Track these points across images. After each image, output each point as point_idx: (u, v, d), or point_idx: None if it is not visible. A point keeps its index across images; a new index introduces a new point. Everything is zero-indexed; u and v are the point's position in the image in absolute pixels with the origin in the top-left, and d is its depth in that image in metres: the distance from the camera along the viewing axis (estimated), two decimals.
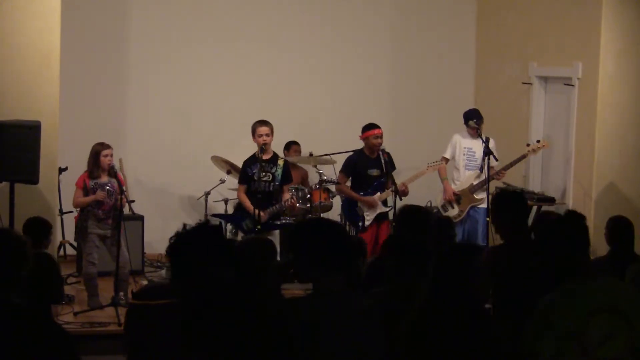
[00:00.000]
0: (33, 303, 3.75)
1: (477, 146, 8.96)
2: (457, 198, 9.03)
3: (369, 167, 8.85)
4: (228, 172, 9.80)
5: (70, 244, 9.52)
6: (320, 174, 9.48)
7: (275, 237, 8.50)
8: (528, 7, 9.97)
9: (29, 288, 3.62)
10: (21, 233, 4.84)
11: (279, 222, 8.69)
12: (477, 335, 3.84)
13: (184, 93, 10.51)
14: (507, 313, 4.55)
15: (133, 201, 9.56)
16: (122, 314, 7.19)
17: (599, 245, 6.89)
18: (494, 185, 9.14)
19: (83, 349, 7.16)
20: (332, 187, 9.78)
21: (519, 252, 5.00)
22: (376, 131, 8.82)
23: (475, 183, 8.99)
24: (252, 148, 8.50)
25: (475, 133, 8.93)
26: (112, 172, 8.08)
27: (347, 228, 8.85)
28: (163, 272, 9.75)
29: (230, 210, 9.82)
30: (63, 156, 8.52)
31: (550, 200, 9.17)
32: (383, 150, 8.77)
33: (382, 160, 8.74)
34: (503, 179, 9.12)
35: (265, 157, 8.39)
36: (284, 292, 5.15)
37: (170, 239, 3.60)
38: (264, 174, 8.36)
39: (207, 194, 10.06)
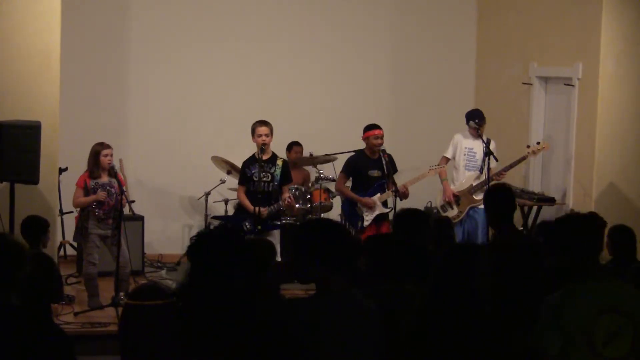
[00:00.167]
0: (32, 304, 3.75)
1: (478, 146, 8.96)
2: (457, 199, 9.03)
3: (369, 167, 8.85)
4: (228, 173, 9.80)
5: (71, 244, 9.51)
6: (319, 172, 9.49)
7: (275, 237, 8.50)
8: (528, 7, 9.96)
9: (28, 289, 3.62)
10: (19, 235, 4.84)
11: (278, 222, 8.69)
12: (478, 335, 3.84)
13: (184, 93, 10.51)
14: (506, 312, 4.55)
15: (133, 201, 9.55)
16: (121, 310, 7.19)
17: None
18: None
19: (83, 349, 7.20)
20: (332, 187, 9.79)
21: (513, 250, 5.03)
22: (376, 131, 8.82)
23: (475, 184, 8.99)
24: (252, 148, 8.50)
25: (476, 133, 8.93)
26: (112, 172, 8.08)
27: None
28: (163, 272, 9.76)
29: (231, 211, 9.82)
30: (63, 156, 8.51)
31: (551, 201, 9.16)
32: (383, 151, 8.77)
33: (383, 161, 8.73)
34: (503, 180, 9.11)
35: (265, 157, 8.40)
36: (284, 292, 5.16)
37: (191, 239, 3.64)
38: (263, 174, 8.36)
39: (207, 194, 10.06)
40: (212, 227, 3.82)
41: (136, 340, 3.28)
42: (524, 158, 8.95)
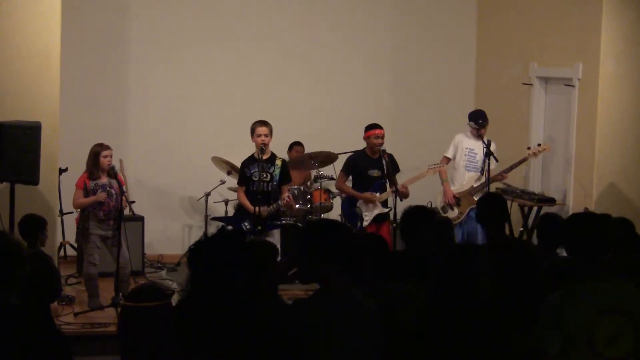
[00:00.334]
0: (32, 303, 3.75)
1: (479, 147, 8.95)
2: (457, 200, 9.03)
3: (369, 167, 8.85)
4: (228, 173, 9.79)
5: (71, 245, 9.52)
6: (318, 171, 9.49)
7: (275, 237, 8.50)
8: (528, 7, 9.96)
9: (28, 288, 3.62)
10: (17, 235, 4.83)
11: (278, 222, 8.69)
12: (478, 335, 3.84)
13: (184, 93, 10.51)
14: (506, 312, 4.55)
15: (133, 202, 9.57)
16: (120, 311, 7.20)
17: None
18: (494, 187, 9.15)
19: (83, 349, 7.21)
20: (332, 186, 9.79)
21: (511, 250, 5.05)
22: (377, 131, 8.82)
23: (475, 185, 8.99)
24: (252, 149, 8.50)
25: (477, 134, 8.93)
26: (112, 173, 8.07)
27: None
28: (163, 272, 9.76)
29: (231, 211, 9.82)
30: (63, 157, 8.51)
31: (551, 201, 9.16)
32: (384, 151, 8.77)
33: (383, 162, 8.73)
34: (503, 181, 9.13)
35: (264, 157, 8.39)
36: (284, 292, 5.16)
37: (191, 246, 3.65)
38: (262, 174, 8.36)
39: (208, 194, 10.06)
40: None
41: (135, 341, 3.28)
42: (524, 160, 8.95)
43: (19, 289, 3.44)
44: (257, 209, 8.17)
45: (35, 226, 6.92)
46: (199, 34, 10.51)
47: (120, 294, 7.83)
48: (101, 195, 7.98)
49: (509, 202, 9.21)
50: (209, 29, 10.54)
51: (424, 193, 10.07)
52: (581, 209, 8.41)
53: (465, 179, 9.11)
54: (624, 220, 6.19)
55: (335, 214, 9.75)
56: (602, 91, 8.62)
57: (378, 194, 8.82)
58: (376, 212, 8.82)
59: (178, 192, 10.59)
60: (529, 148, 9.04)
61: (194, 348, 3.77)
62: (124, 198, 7.95)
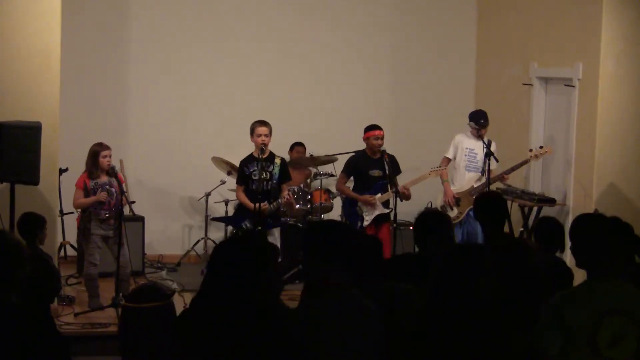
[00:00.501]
0: (31, 303, 3.74)
1: (479, 147, 8.96)
2: (457, 200, 9.03)
3: (370, 167, 8.85)
4: (228, 173, 9.80)
5: (71, 245, 9.52)
6: (317, 169, 9.49)
7: (275, 236, 8.51)
8: (528, 7, 9.96)
9: (28, 288, 3.62)
10: (17, 235, 4.81)
11: (278, 222, 8.69)
12: (478, 335, 3.84)
13: (184, 94, 10.51)
14: (506, 312, 4.55)
15: (133, 202, 9.55)
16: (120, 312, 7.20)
17: None
18: (494, 187, 9.14)
19: (83, 349, 7.22)
20: (331, 183, 9.79)
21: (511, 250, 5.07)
22: (376, 132, 8.82)
23: (475, 186, 8.99)
24: (252, 149, 8.50)
25: (477, 134, 8.93)
26: (111, 173, 8.08)
27: None
28: (163, 272, 9.76)
29: (231, 211, 9.82)
30: (63, 157, 8.51)
31: (551, 201, 9.16)
32: (384, 152, 8.77)
33: (385, 162, 8.73)
34: (504, 182, 9.13)
35: (263, 156, 8.39)
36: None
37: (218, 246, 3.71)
38: (263, 173, 8.36)
39: (208, 194, 10.07)
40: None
41: (136, 341, 3.28)
42: (526, 161, 8.95)
43: (19, 289, 3.44)
44: (257, 205, 8.16)
45: (34, 224, 6.92)
46: (199, 34, 10.51)
47: (121, 294, 7.84)
48: (102, 195, 7.98)
49: (509, 203, 9.25)
50: (209, 29, 10.54)
51: (424, 193, 10.08)
52: (581, 209, 8.40)
53: (465, 179, 9.11)
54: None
55: (336, 214, 9.76)
56: (602, 91, 8.62)
57: (379, 195, 8.81)
58: (377, 212, 8.82)
59: (178, 192, 10.59)
60: (530, 150, 9.04)
61: (194, 348, 3.78)
62: (124, 198, 7.95)
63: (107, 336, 7.34)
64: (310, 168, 10.01)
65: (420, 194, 9.90)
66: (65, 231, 9.35)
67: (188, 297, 6.65)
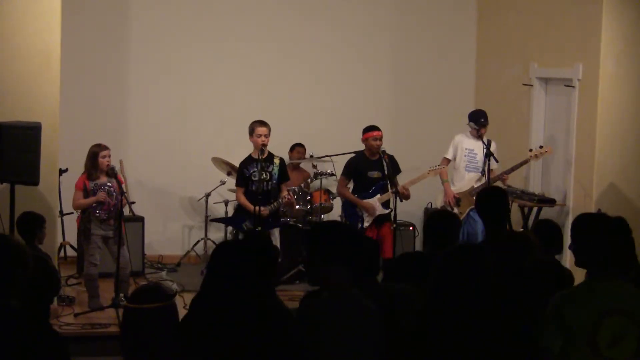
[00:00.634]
0: (31, 304, 3.74)
1: (479, 148, 8.95)
2: (457, 200, 9.03)
3: (369, 168, 8.84)
4: (228, 174, 9.79)
5: (71, 245, 9.51)
6: (316, 168, 9.49)
7: (275, 236, 8.51)
8: (528, 8, 9.96)
9: (28, 290, 3.61)
10: (19, 237, 4.79)
11: (278, 222, 8.70)
12: (478, 335, 3.84)
13: (184, 94, 10.51)
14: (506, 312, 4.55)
15: (133, 202, 9.56)
16: (122, 313, 7.19)
17: None
18: None
19: (83, 350, 7.21)
20: (331, 182, 9.79)
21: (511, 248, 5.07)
22: (375, 133, 8.81)
23: (476, 186, 8.99)
24: (251, 149, 8.50)
25: (476, 134, 8.93)
26: (111, 173, 8.07)
27: None
28: (163, 273, 9.75)
29: (231, 212, 9.82)
30: (63, 157, 8.50)
31: (551, 202, 9.15)
32: (384, 152, 8.76)
33: (384, 163, 8.72)
34: (505, 182, 9.13)
35: (262, 156, 8.39)
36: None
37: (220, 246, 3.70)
38: (263, 173, 8.36)
39: (208, 195, 10.07)
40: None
41: (138, 342, 3.28)
42: (526, 161, 8.94)
43: (19, 292, 3.43)
44: (257, 208, 8.16)
45: (34, 224, 6.92)
46: (198, 34, 10.51)
47: (121, 295, 7.83)
48: (101, 195, 7.98)
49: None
50: (209, 29, 10.54)
51: (424, 193, 10.10)
52: (581, 209, 8.39)
53: (465, 179, 9.11)
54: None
55: (336, 214, 9.75)
56: (602, 91, 8.61)
57: (378, 196, 8.80)
58: (377, 213, 8.81)
59: (178, 193, 10.59)
60: (530, 150, 9.03)
61: (194, 348, 3.78)
62: (123, 198, 7.94)
63: (107, 336, 7.34)
64: (310, 169, 10.01)
65: (420, 194, 9.91)
66: (65, 231, 9.35)
67: (188, 297, 6.65)
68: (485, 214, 5.95)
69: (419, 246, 10.35)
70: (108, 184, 8.06)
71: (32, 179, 7.33)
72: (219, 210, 10.27)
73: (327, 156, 9.87)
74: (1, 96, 7.71)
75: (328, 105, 10.84)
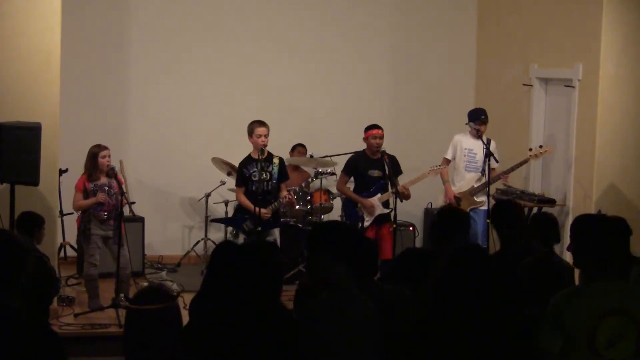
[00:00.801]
0: (31, 305, 3.74)
1: (478, 147, 8.95)
2: (458, 200, 9.03)
3: (369, 167, 8.85)
4: (228, 174, 9.79)
5: (71, 246, 9.51)
6: (316, 168, 9.50)
7: (275, 236, 8.51)
8: (528, 8, 9.96)
9: (28, 290, 3.61)
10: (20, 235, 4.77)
11: (277, 222, 8.70)
12: (479, 335, 3.84)
13: (184, 94, 10.51)
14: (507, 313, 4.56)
15: (133, 202, 9.56)
16: (123, 315, 7.19)
17: None
18: (494, 187, 9.14)
19: (83, 350, 7.21)
20: (331, 182, 9.79)
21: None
22: (375, 131, 8.83)
23: (476, 185, 8.99)
24: (251, 149, 8.50)
25: (476, 134, 8.93)
26: (111, 174, 8.07)
27: None
28: (163, 273, 9.75)
29: (231, 212, 9.82)
30: (63, 157, 8.50)
31: (551, 202, 9.15)
32: (384, 152, 8.76)
33: (384, 162, 8.72)
34: (505, 182, 9.13)
35: (262, 156, 8.39)
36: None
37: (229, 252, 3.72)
38: (263, 173, 8.36)
39: (208, 195, 10.07)
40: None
41: (140, 344, 3.28)
42: (526, 161, 8.95)
43: (19, 291, 3.43)
44: (257, 209, 8.16)
45: (33, 223, 6.92)
46: (199, 34, 10.50)
47: (121, 295, 7.84)
48: (101, 196, 7.99)
49: None
50: (209, 29, 10.54)
51: (424, 193, 10.09)
52: (581, 209, 8.40)
53: (465, 179, 9.11)
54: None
55: (336, 214, 9.75)
56: (602, 92, 8.61)
57: (379, 195, 8.81)
58: (377, 212, 8.81)
59: (178, 193, 10.59)
60: (530, 149, 9.04)
61: (194, 349, 3.78)
62: (123, 199, 7.94)
63: (107, 337, 7.34)
64: (310, 169, 10.01)
65: (420, 194, 9.91)
66: (65, 232, 9.35)
67: (188, 297, 6.65)
68: (498, 225, 6.01)
69: (418, 246, 10.35)
70: (108, 184, 8.06)
71: (32, 179, 7.33)
72: (219, 211, 10.27)
73: (327, 156, 9.88)
74: (1, 96, 7.70)
75: (328, 105, 10.84)
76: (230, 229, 9.61)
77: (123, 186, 8.16)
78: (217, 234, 10.29)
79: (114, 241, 8.01)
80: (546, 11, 9.60)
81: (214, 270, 4.34)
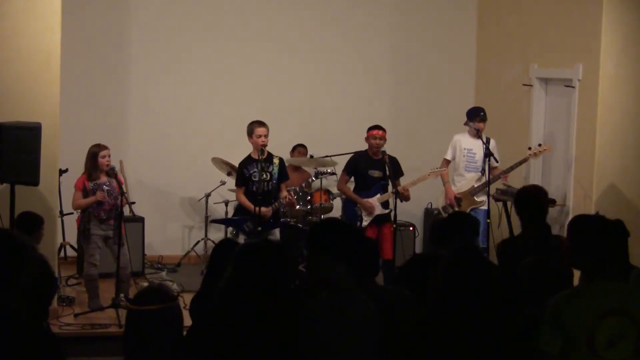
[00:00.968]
0: (30, 305, 3.73)
1: (478, 147, 8.96)
2: (458, 200, 9.03)
3: (370, 167, 8.86)
4: (228, 174, 9.79)
5: (71, 246, 9.52)
6: (316, 168, 9.50)
7: (275, 236, 8.51)
8: (529, 8, 9.95)
9: (28, 290, 3.61)
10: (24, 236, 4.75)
11: (278, 222, 8.70)
12: (479, 336, 3.84)
13: (184, 94, 10.51)
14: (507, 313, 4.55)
15: (133, 202, 9.56)
16: (123, 315, 7.20)
17: None
18: (494, 187, 9.14)
19: (83, 350, 7.21)
20: (331, 182, 9.79)
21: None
22: (375, 132, 8.84)
23: (476, 185, 9.00)
24: (251, 150, 8.50)
25: (476, 133, 8.94)
26: (111, 173, 8.08)
27: None
28: (163, 273, 9.75)
29: (231, 212, 9.82)
30: (63, 157, 8.51)
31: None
32: (384, 153, 8.76)
33: (385, 163, 8.72)
34: (504, 182, 9.13)
35: (262, 157, 8.39)
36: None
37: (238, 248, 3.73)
38: (263, 174, 8.36)
39: (208, 195, 10.07)
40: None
41: (140, 344, 3.28)
42: (525, 160, 8.94)
43: (19, 291, 3.43)
44: (257, 209, 8.16)
45: (32, 224, 6.92)
46: (199, 34, 10.51)
47: (122, 295, 7.84)
48: (100, 195, 7.99)
49: (508, 204, 9.24)
50: (209, 29, 10.54)
51: (424, 194, 10.10)
52: (581, 209, 8.40)
53: (465, 179, 9.11)
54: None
55: (335, 215, 9.74)
56: (602, 92, 8.61)
57: (378, 195, 8.81)
58: (376, 212, 8.82)
59: (178, 193, 10.59)
60: (529, 148, 9.04)
61: (194, 349, 3.78)
62: (123, 199, 7.94)
63: (107, 337, 7.35)
64: (310, 169, 10.01)
65: (420, 195, 9.91)
66: (65, 232, 9.35)
67: (188, 297, 6.65)
68: (522, 212, 5.84)
69: (419, 246, 10.36)
70: (107, 183, 8.07)
71: (32, 179, 7.33)
72: (219, 211, 10.27)
73: (327, 156, 9.88)
74: (1, 96, 7.70)
75: (328, 105, 10.84)
76: (230, 229, 9.61)
77: (123, 186, 8.16)
78: (217, 234, 10.29)
79: (114, 241, 8.02)
80: (546, 11, 9.60)
81: (214, 268, 4.35)
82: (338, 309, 3.77)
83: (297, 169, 10.11)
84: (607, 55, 8.58)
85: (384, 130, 8.88)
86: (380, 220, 8.84)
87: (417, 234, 10.23)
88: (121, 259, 7.92)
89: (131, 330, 3.30)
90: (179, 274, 9.77)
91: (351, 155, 9.13)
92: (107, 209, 8.06)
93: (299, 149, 10.25)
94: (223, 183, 9.93)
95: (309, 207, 9.37)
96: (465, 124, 9.08)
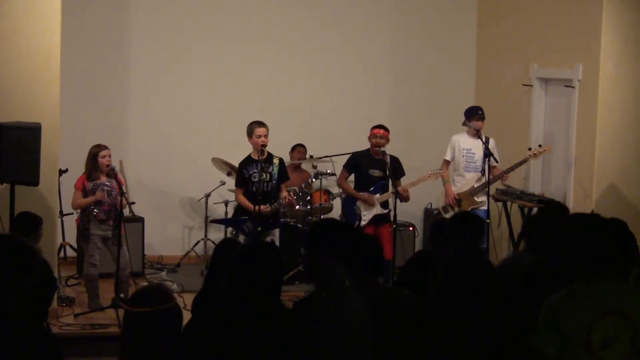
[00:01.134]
0: (30, 307, 3.73)
1: (477, 147, 8.95)
2: (458, 201, 9.03)
3: (370, 167, 8.87)
4: (228, 174, 9.79)
5: (71, 246, 9.51)
6: (316, 168, 9.50)
7: (275, 236, 8.51)
8: (528, 8, 9.96)
9: (30, 292, 3.61)
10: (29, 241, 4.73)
11: (278, 222, 8.69)
12: (480, 336, 3.84)
13: (184, 94, 10.51)
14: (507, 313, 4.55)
15: (133, 203, 9.56)
16: (122, 315, 7.19)
17: None
18: (494, 187, 9.14)
19: (83, 350, 7.21)
20: (332, 189, 9.79)
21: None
22: (377, 131, 8.85)
23: (476, 186, 8.99)
24: (251, 150, 8.50)
25: (475, 133, 8.93)
26: (111, 173, 8.07)
27: None
28: (163, 273, 9.75)
29: (231, 212, 9.82)
30: (63, 157, 8.50)
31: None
32: (384, 153, 8.76)
33: (385, 163, 8.72)
34: (504, 182, 9.13)
35: (262, 157, 8.38)
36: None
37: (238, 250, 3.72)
38: (263, 174, 8.36)
39: (208, 195, 10.07)
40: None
41: (137, 346, 3.27)
42: (525, 160, 8.94)
43: (19, 292, 3.43)
44: (256, 207, 8.16)
45: (31, 224, 6.92)
46: (199, 34, 10.50)
47: (122, 295, 7.83)
48: (99, 194, 7.99)
49: (508, 204, 9.25)
50: (210, 29, 10.54)
51: (424, 194, 10.11)
52: (582, 210, 8.39)
53: (465, 179, 9.11)
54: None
55: (335, 215, 9.75)
56: (602, 92, 8.61)
57: (378, 195, 8.82)
58: (375, 212, 8.82)
59: (178, 193, 10.59)
60: (529, 149, 9.04)
61: (194, 349, 3.78)
62: (123, 199, 7.94)
63: (107, 337, 7.34)
64: (310, 170, 10.01)
65: (420, 195, 9.92)
66: (65, 232, 9.35)
67: (188, 297, 6.66)
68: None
69: (418, 246, 10.36)
70: (107, 183, 8.07)
71: (32, 179, 7.33)
72: (219, 211, 10.27)
73: (327, 157, 9.88)
74: (1, 96, 7.70)
75: (328, 105, 10.84)
76: (230, 229, 9.61)
77: (123, 186, 8.15)
78: (217, 234, 10.29)
79: (114, 241, 8.01)
80: (546, 11, 9.60)
81: (216, 267, 4.35)
82: (338, 309, 3.77)
83: (296, 168, 10.11)
84: (607, 55, 8.58)
85: (386, 130, 8.88)
86: (378, 221, 8.84)
87: (417, 234, 10.23)
88: (121, 259, 7.91)
89: (128, 331, 3.29)
90: (178, 274, 9.77)
91: (351, 153, 9.13)
92: (107, 209, 8.05)
93: (299, 149, 10.25)
94: (223, 183, 9.93)
95: (308, 207, 9.37)
96: (464, 123, 9.08)
